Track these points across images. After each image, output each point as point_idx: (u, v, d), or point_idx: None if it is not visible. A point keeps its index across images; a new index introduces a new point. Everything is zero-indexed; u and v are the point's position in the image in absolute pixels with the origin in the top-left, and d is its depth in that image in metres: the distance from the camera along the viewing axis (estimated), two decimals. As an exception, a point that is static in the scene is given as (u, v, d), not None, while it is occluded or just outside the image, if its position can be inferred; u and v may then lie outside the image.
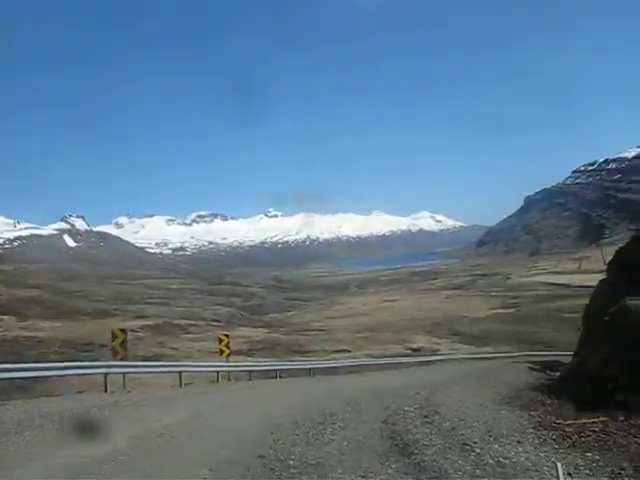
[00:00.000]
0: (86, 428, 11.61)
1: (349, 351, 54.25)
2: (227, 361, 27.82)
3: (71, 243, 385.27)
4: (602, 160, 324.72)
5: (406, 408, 12.60)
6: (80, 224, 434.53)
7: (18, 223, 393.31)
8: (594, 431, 9.40)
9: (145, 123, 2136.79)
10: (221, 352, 27.99)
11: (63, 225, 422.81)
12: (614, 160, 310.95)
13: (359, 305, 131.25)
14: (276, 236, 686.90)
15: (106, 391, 18.98)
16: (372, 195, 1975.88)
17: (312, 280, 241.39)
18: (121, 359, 21.33)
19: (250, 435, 10.45)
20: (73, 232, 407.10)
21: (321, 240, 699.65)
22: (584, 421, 10.18)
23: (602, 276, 23.92)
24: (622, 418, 10.03)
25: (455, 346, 61.59)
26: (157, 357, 40.55)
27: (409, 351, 55.61)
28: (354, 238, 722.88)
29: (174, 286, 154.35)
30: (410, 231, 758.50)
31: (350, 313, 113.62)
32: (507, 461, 7.77)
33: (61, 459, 8.69)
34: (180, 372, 23.19)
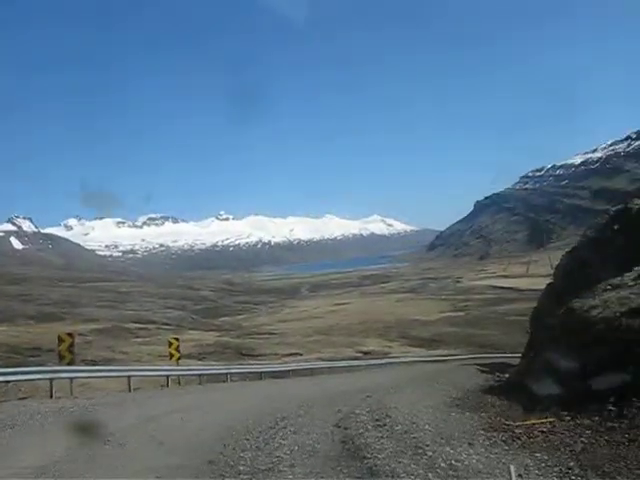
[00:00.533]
0: (27, 436, 11.31)
1: (300, 354, 54.24)
2: (177, 365, 27.49)
3: (18, 245, 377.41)
4: (549, 166, 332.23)
5: (358, 411, 12.59)
6: (28, 226, 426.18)
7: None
8: (542, 432, 9.52)
9: (95, 125, 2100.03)
10: (171, 356, 27.64)
11: (9, 227, 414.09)
12: (561, 166, 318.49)
13: (310, 308, 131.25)
14: (227, 239, 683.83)
15: (52, 397, 18.54)
16: (324, 199, 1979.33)
17: (263, 283, 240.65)
18: (68, 364, 20.87)
19: (200, 440, 10.31)
20: (20, 234, 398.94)
21: (272, 243, 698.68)
22: (533, 422, 10.31)
23: (549, 280, 24.42)
24: (568, 418, 10.18)
25: (406, 349, 62.07)
26: (106, 361, 39.91)
27: (360, 354, 55.86)
28: (306, 242, 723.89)
29: (124, 289, 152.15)
30: (361, 235, 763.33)
31: (301, 316, 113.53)
32: (459, 464, 7.80)
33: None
34: (129, 376, 22.79)
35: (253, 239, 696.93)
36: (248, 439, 10.19)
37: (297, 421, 11.98)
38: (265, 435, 10.50)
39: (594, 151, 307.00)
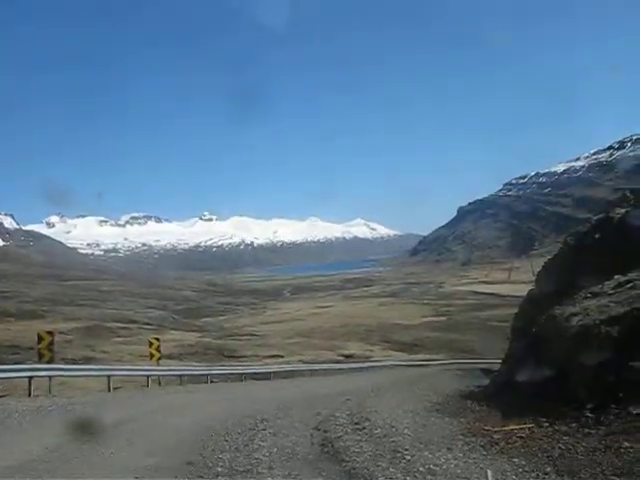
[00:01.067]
0: (4, 435, 11.21)
1: (282, 356, 54.17)
2: (158, 365, 27.36)
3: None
4: (533, 174, 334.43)
5: (337, 414, 12.60)
6: (9, 222, 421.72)
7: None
8: (521, 437, 9.57)
9: (73, 123, 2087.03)
10: (151, 356, 27.51)
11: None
12: (544, 174, 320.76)
13: (292, 311, 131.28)
14: (210, 240, 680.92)
15: (30, 395, 18.37)
16: (308, 202, 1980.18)
17: (246, 285, 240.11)
18: (47, 362, 20.71)
19: (179, 441, 10.28)
20: (1, 230, 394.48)
21: (255, 245, 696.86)
22: (511, 428, 10.36)
23: (531, 286, 24.56)
24: (547, 424, 10.24)
25: (387, 353, 62.19)
26: (86, 360, 39.67)
27: (342, 357, 55.90)
28: (289, 244, 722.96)
29: (105, 288, 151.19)
30: (345, 238, 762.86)
31: (283, 318, 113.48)
32: (437, 468, 7.83)
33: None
34: (109, 376, 22.63)
35: (236, 240, 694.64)
36: (227, 440, 10.17)
37: (277, 423, 11.98)
38: (244, 437, 10.48)
39: (577, 160, 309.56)
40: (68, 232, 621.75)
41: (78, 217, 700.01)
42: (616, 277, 14.51)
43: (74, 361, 36.06)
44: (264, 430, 11.12)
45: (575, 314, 13.36)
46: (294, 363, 46.26)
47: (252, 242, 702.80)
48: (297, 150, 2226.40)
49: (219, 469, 8.23)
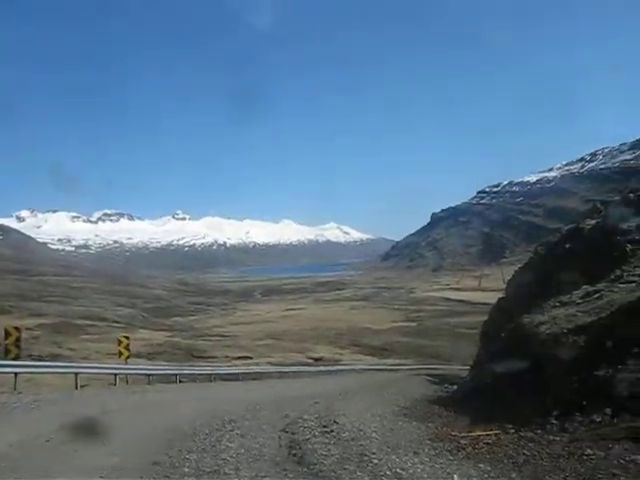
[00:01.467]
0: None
1: (251, 358, 54.01)
2: (126, 363, 27.12)
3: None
4: (506, 183, 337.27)
5: (306, 417, 12.60)
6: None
7: None
8: (487, 443, 9.66)
9: (51, 116, 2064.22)
10: (120, 354, 27.24)
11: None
12: (517, 184, 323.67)
13: (263, 312, 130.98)
14: (183, 239, 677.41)
15: (-6, 392, 18.11)
16: (282, 204, 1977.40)
17: (217, 285, 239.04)
18: (13, 359, 20.43)
19: (146, 441, 10.19)
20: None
21: (228, 245, 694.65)
22: (478, 433, 10.45)
23: (501, 294, 24.82)
24: (512, 430, 10.35)
25: (357, 357, 62.31)
26: (53, 357, 39.17)
27: (311, 360, 55.92)
28: (261, 245, 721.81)
29: (75, 284, 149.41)
30: (317, 241, 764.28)
31: (254, 320, 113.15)
32: (404, 472, 7.87)
33: None
34: (76, 373, 22.33)
35: (209, 240, 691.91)
36: (195, 441, 10.11)
37: (244, 424, 11.92)
38: (212, 437, 10.43)
39: (550, 170, 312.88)
40: (39, 227, 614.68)
41: (49, 212, 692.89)
42: (584, 287, 14.74)
43: (41, 358, 35.62)
44: (232, 431, 11.06)
45: (543, 322, 13.54)
46: (263, 365, 46.18)
47: (225, 242, 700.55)
48: (279, 153, 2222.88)
49: (186, 469, 8.18)
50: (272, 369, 42.00)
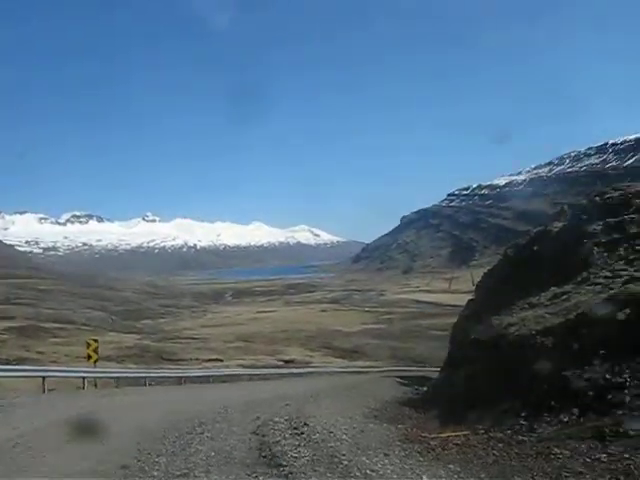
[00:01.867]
0: None
1: (221, 360, 53.79)
2: (95, 367, 26.87)
3: None
4: (475, 186, 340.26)
5: (276, 419, 12.57)
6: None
7: None
8: (457, 444, 9.72)
9: (22, 117, 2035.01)
10: (89, 357, 27.01)
11: None
12: (487, 186, 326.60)
13: (233, 315, 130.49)
14: (153, 241, 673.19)
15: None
16: (253, 206, 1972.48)
17: (187, 287, 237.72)
18: (-22, 362, 20.17)
19: (114, 444, 10.11)
20: None
21: (198, 247, 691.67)
22: (448, 434, 10.52)
23: (470, 296, 25.01)
24: (482, 431, 10.43)
25: (328, 359, 62.33)
26: (20, 361, 38.50)
27: (282, 362, 55.83)
28: (232, 247, 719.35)
29: (43, 287, 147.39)
30: (288, 244, 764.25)
31: (224, 322, 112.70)
32: (374, 473, 7.89)
33: None
34: (43, 377, 22.12)
35: (179, 242, 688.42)
36: (164, 444, 10.06)
37: (215, 427, 11.88)
38: (182, 440, 10.38)
39: (519, 174, 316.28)
40: (6, 229, 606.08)
41: (17, 213, 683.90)
42: (552, 289, 14.91)
43: (7, 361, 35.05)
44: (202, 434, 11.01)
45: (512, 324, 13.69)
46: (234, 367, 46.03)
47: (195, 245, 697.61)
48: (251, 156, 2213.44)
49: (155, 473, 8.14)
50: (243, 371, 41.92)
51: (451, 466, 8.30)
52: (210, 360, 53.61)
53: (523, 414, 10.42)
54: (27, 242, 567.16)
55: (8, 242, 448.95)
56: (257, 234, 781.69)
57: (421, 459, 8.86)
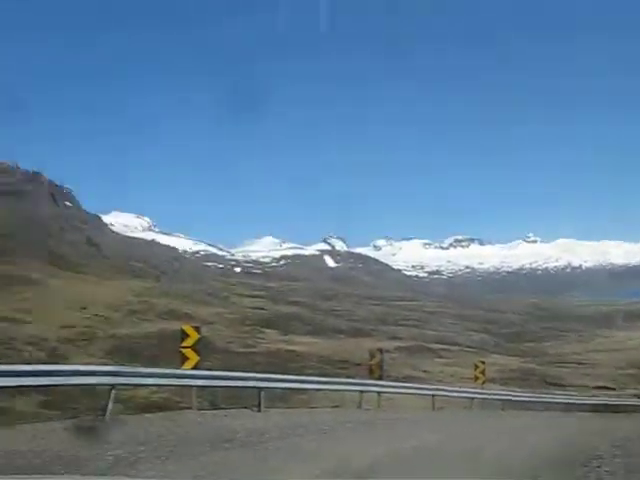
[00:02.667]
0: (339, 441, 11.87)
1: (613, 389, 50.34)
2: (482, 388, 27.19)
3: (331, 263, 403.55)
4: None
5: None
6: (340, 245, 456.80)
7: (284, 243, 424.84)
8: None
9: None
10: (476, 378, 27.46)
11: (324, 246, 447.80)
12: None
13: (624, 339, 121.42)
14: (535, 262, 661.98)
15: (360, 408, 19.38)
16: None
17: (572, 309, 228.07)
18: (377, 378, 21.72)
19: (507, 465, 9.92)
20: (333, 253, 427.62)
21: (584, 268, 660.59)
22: None
23: None
24: None
25: None
26: (408, 379, 40.73)
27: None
28: (620, 266, 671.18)
29: (428, 309, 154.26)
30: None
31: (614, 347, 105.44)
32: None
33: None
34: (433, 395, 23.04)
35: (562, 263, 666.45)
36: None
37: (613, 462, 10.92)
38: (580, 471, 9.79)
39: None
40: (394, 254, 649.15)
41: (404, 240, 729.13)
42: None
43: (397, 379, 37.31)
44: (598, 468, 10.19)
45: None
46: (625, 397, 42.74)
47: (580, 265, 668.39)
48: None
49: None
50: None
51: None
52: (598, 387, 50.64)
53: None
54: (413, 266, 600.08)
55: (396, 267, 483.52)
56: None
57: None
